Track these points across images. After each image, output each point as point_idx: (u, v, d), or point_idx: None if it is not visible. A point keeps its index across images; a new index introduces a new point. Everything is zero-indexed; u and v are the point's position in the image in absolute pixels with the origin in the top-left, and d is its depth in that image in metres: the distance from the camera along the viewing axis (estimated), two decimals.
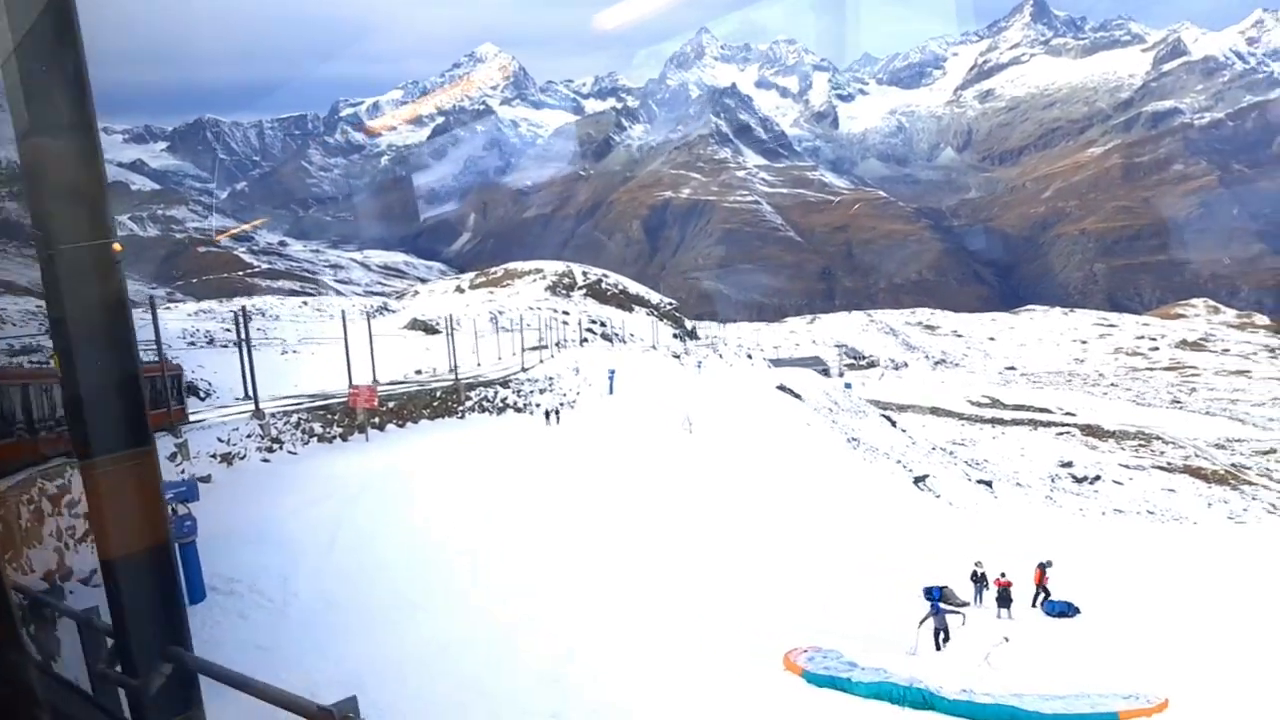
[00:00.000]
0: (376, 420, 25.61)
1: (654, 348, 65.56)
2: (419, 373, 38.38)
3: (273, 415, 22.21)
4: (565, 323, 56.50)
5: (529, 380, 38.45)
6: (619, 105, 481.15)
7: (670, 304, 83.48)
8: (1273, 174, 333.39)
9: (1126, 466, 75.75)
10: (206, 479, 16.72)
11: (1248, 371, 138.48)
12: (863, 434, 58.77)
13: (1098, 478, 72.90)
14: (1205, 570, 27.18)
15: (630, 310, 79.35)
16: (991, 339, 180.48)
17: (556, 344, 52.03)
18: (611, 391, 44.06)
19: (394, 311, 78.75)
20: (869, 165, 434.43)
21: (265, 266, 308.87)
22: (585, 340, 63.90)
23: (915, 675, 14.06)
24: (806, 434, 44.68)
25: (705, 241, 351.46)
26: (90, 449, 2.06)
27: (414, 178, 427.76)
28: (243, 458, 19.66)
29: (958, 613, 18.71)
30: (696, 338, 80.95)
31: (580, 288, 79.28)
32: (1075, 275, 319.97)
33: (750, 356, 79.72)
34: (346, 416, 24.51)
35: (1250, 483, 69.87)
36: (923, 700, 13.13)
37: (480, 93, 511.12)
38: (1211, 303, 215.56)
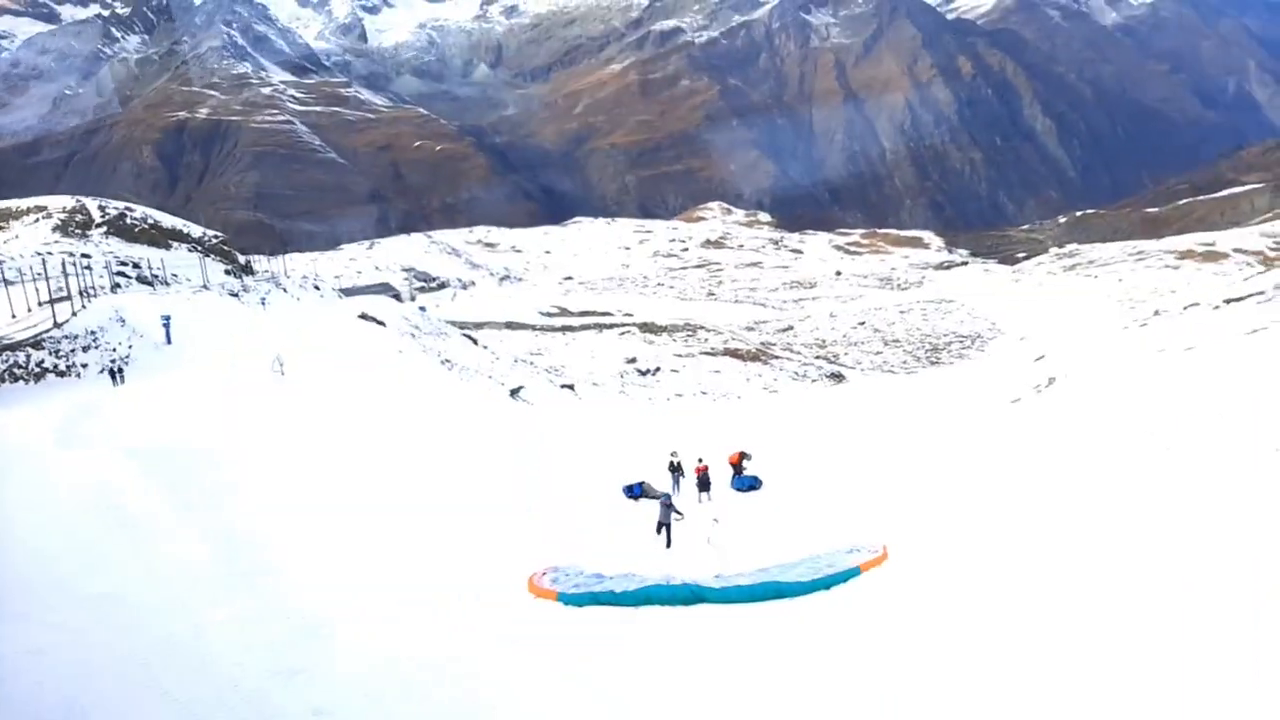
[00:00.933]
0: None
1: (206, 287, 57.93)
2: None
3: None
4: (88, 267, 47.56)
5: (66, 337, 31.30)
6: (105, 13, 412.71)
7: (217, 237, 74.15)
8: (760, 87, 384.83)
9: (679, 355, 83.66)
10: None
11: (760, 263, 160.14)
12: (451, 355, 57.65)
13: (658, 369, 79.65)
14: (806, 424, 30.18)
15: (168, 247, 69.29)
16: (548, 252, 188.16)
17: (81, 293, 43.53)
18: (169, 341, 37.74)
19: None
20: (405, 82, 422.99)
21: None
22: (118, 286, 54.71)
23: (668, 573, 13.69)
24: (401, 361, 42.37)
25: (235, 167, 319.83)
26: None
27: None
28: None
29: (680, 513, 18.41)
30: (253, 273, 73.25)
31: (99, 225, 67.33)
32: (611, 187, 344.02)
33: (319, 288, 74.13)
34: None
35: (776, 357, 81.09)
36: (693, 595, 12.66)
37: None
38: (725, 205, 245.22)
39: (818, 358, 76.99)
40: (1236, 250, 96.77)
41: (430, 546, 15.62)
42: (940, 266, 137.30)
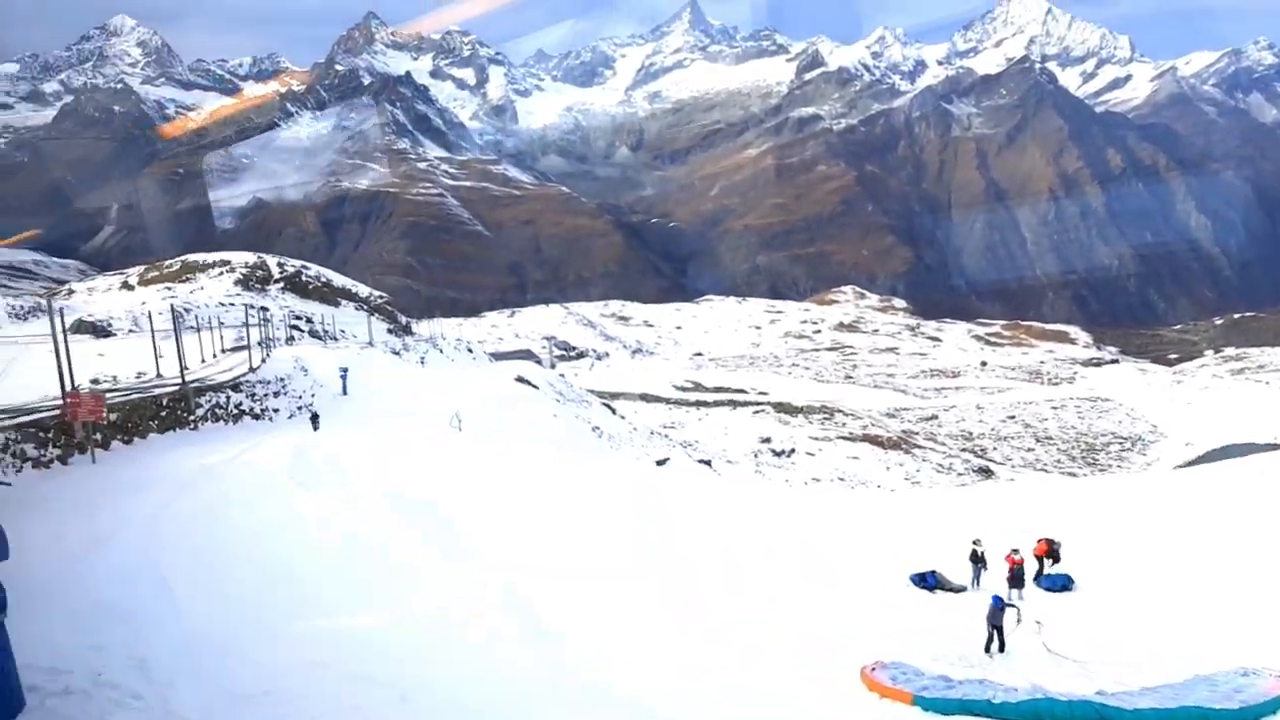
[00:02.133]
0: (99, 436, 20.65)
1: (371, 344, 61.15)
2: (97, 380, 32.26)
3: None
4: (267, 319, 50.92)
5: (260, 382, 33.73)
6: (283, 90, 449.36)
7: (381, 297, 78.48)
8: (898, 174, 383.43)
9: (815, 439, 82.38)
10: None
11: (896, 349, 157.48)
12: (598, 422, 58.78)
13: (793, 450, 78.57)
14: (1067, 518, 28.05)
15: (337, 304, 73.63)
16: (679, 328, 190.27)
17: (260, 343, 46.59)
18: (345, 392, 40.06)
19: (44, 314, 67.03)
20: (550, 161, 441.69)
21: None
22: (292, 339, 58.18)
23: (1035, 684, 12.43)
24: (556, 425, 43.55)
25: (389, 235, 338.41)
26: None
27: (43, 165, 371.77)
28: None
29: (1014, 606, 16.64)
30: (411, 333, 76.88)
31: (277, 280, 72.14)
32: (742, 267, 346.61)
33: (471, 351, 77.17)
34: (62, 433, 19.39)
35: (919, 446, 78.93)
36: (1096, 715, 11.24)
37: (118, 70, 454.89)
38: (858, 289, 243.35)
39: (963, 450, 74.63)
40: None
41: (710, 621, 15.39)
42: (1089, 363, 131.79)
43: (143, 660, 9.84)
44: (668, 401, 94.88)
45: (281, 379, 35.43)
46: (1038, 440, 75.94)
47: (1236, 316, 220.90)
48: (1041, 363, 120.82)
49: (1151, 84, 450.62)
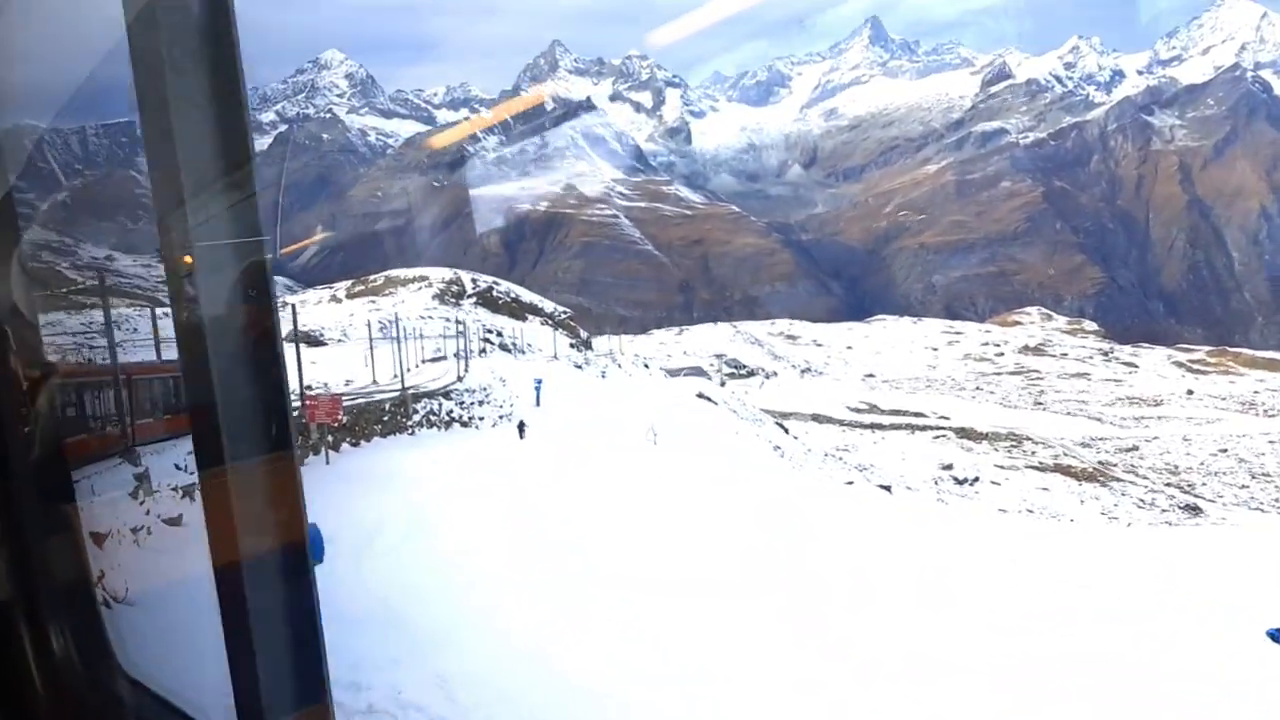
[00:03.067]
0: (331, 438, 22.80)
1: (556, 358, 63.59)
2: (315, 386, 35.17)
3: None
4: (461, 332, 53.90)
5: (466, 391, 36.08)
6: (471, 116, 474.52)
7: (565, 313, 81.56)
8: (1090, 190, 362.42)
9: (1001, 467, 78.69)
10: (176, 520, 13.22)
11: (1088, 374, 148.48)
12: (778, 441, 58.83)
13: (976, 479, 75.40)
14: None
15: (524, 319, 76.99)
16: (849, 348, 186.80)
17: (455, 354, 49.43)
18: (538, 403, 42.02)
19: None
20: (722, 180, 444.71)
21: (90, 282, 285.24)
22: (484, 351, 61.26)
23: None
24: (739, 441, 44.06)
25: (564, 254, 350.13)
26: (228, 454, 1.51)
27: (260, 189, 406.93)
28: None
29: None
30: (591, 348, 79.33)
31: (470, 295, 76.24)
32: (916, 286, 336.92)
33: (647, 367, 78.86)
34: (299, 434, 21.57)
35: (1118, 479, 74.09)
36: None
37: (326, 101, 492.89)
38: (1045, 310, 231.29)
39: (1167, 485, 69.57)
40: None
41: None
42: None
43: (442, 678, 9.26)
44: (841, 423, 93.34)
45: (484, 388, 37.67)
46: (1253, 477, 69.79)
47: None
48: (1255, 393, 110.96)
49: None
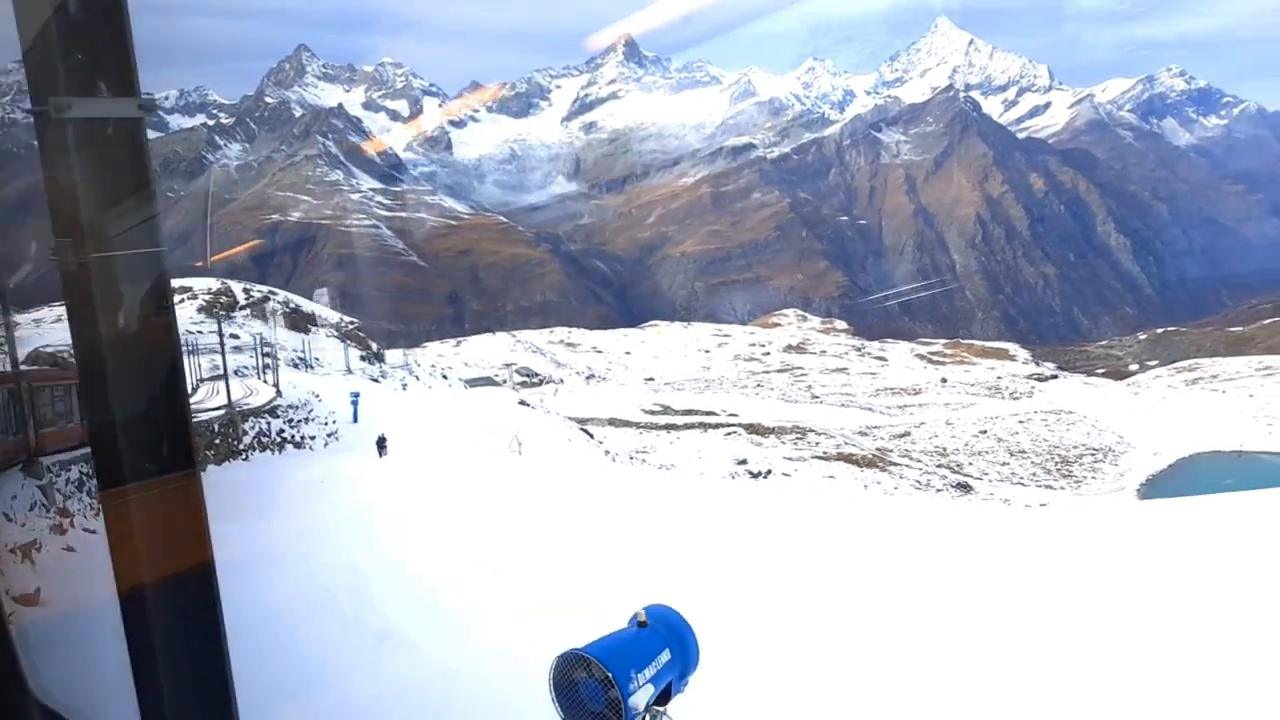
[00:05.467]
0: None
1: (349, 372, 59.34)
2: None
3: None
4: (237, 348, 49.00)
5: (289, 408, 32.18)
6: (210, 122, 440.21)
7: (352, 323, 76.46)
8: (830, 200, 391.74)
9: (790, 459, 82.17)
10: (68, 536, 10.51)
11: (846, 369, 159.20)
12: (606, 446, 57.96)
13: (769, 471, 78.26)
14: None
15: (307, 331, 71.41)
16: (628, 353, 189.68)
17: (236, 372, 44.85)
18: (356, 419, 38.54)
19: None
20: (487, 191, 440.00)
21: None
22: (267, 367, 56.22)
23: None
24: (575, 449, 42.63)
25: (323, 268, 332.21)
26: (128, 472, 1.41)
27: None
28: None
29: None
30: (385, 360, 74.96)
31: (243, 307, 69.82)
32: (681, 293, 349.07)
33: (446, 378, 75.63)
34: None
35: (895, 464, 79.42)
36: None
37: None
38: (801, 312, 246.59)
39: (939, 466, 75.27)
40: None
41: None
42: (1031, 378, 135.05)
43: None
44: (637, 425, 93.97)
45: (305, 404, 33.91)
46: (1011, 454, 77.07)
47: (1159, 331, 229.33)
48: (999, 378, 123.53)
49: (1070, 110, 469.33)
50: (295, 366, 58.79)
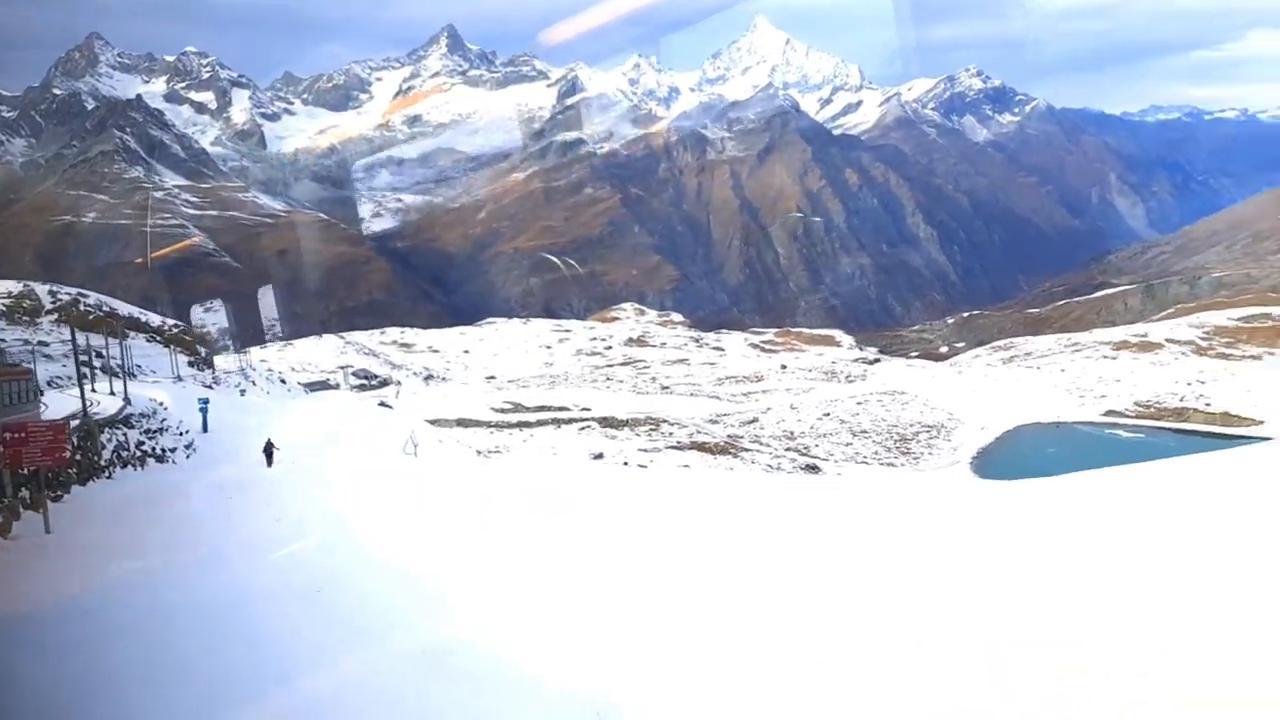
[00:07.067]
0: (56, 493, 15.98)
1: (179, 379, 55.26)
2: None
3: None
4: (48, 355, 44.81)
5: (141, 416, 29.00)
6: None
7: (177, 327, 71.07)
8: (660, 196, 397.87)
9: (645, 450, 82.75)
10: None
11: (687, 360, 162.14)
12: (477, 446, 56.40)
13: (626, 464, 78.48)
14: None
15: (126, 336, 65.84)
16: (466, 352, 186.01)
17: (49, 383, 41.06)
18: (205, 428, 35.55)
19: None
20: (305, 187, 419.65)
21: None
22: (85, 376, 51.56)
23: None
24: (446, 449, 40.92)
25: (124, 272, 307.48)
26: None
27: None
28: None
29: None
30: (214, 366, 70.24)
31: (50, 311, 63.88)
32: (515, 290, 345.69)
33: (284, 381, 71.71)
34: None
35: (746, 449, 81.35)
36: None
37: None
38: (638, 306, 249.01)
39: (788, 450, 77.56)
40: (1170, 341, 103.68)
41: None
42: (860, 362, 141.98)
43: None
44: (488, 425, 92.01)
45: (155, 414, 30.77)
46: (854, 435, 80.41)
47: (965, 315, 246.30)
48: (833, 363, 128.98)
49: (880, 108, 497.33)
50: (116, 375, 54.22)
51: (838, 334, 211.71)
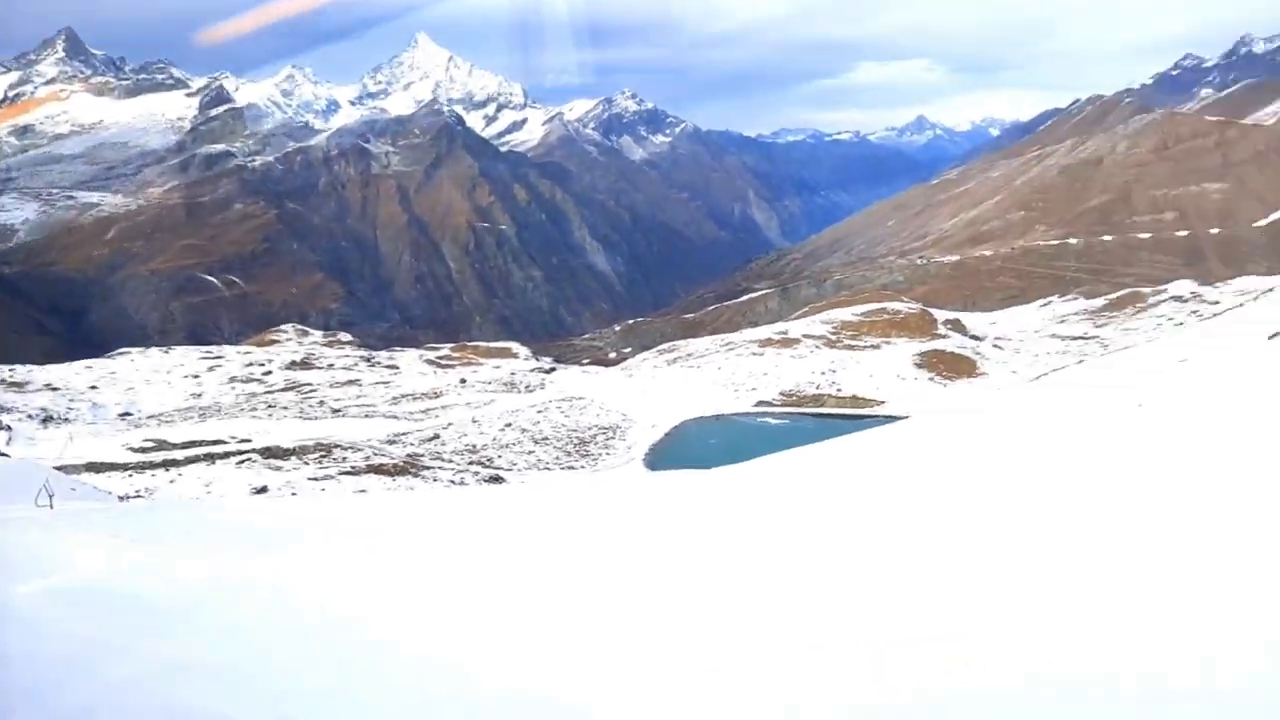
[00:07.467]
0: None
1: None
2: None
3: None
4: None
5: None
6: None
7: None
8: (321, 211, 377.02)
9: (315, 479, 75.56)
10: None
11: (358, 380, 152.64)
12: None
13: (294, 494, 71.26)
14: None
15: None
16: (94, 388, 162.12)
17: None
18: None
19: None
20: None
21: None
22: None
23: None
24: (77, 496, 32.95)
25: None
26: None
27: None
28: None
29: None
30: None
31: None
32: (153, 315, 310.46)
33: None
34: None
35: (427, 467, 76.83)
36: None
37: None
38: (300, 327, 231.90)
39: (471, 464, 74.26)
40: (806, 336, 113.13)
41: None
42: (537, 372, 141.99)
43: None
44: (126, 468, 79.40)
45: None
46: (535, 442, 78.71)
47: (630, 322, 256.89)
48: (513, 374, 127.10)
49: (544, 127, 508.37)
50: None
51: (514, 345, 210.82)
